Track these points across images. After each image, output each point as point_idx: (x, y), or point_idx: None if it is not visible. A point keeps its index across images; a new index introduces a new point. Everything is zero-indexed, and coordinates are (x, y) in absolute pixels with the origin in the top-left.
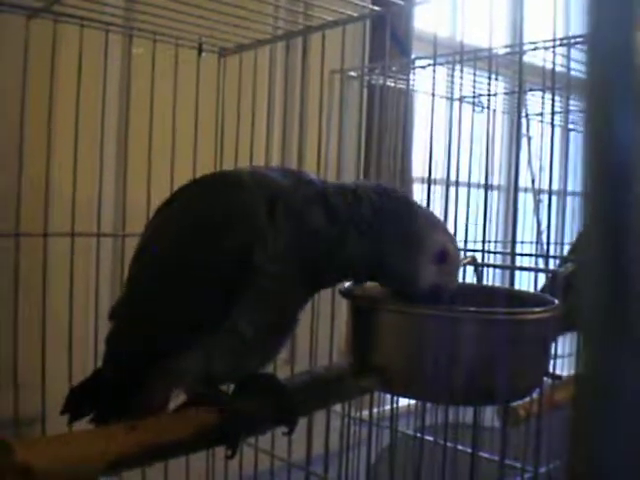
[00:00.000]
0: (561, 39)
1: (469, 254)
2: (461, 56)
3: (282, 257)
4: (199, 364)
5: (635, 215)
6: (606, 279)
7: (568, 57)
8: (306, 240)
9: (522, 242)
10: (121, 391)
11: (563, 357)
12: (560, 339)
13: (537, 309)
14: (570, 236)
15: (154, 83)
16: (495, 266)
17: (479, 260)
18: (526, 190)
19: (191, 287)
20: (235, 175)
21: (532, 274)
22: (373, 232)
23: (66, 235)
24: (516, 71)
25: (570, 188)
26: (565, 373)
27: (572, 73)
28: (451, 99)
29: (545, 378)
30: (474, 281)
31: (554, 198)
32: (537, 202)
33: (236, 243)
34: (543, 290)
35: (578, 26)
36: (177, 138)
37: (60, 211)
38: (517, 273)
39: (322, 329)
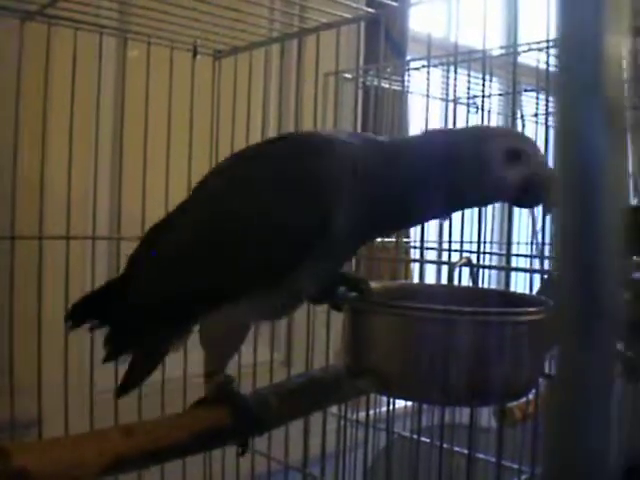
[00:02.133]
0: (555, 40)
1: (464, 255)
2: (455, 57)
3: (356, 217)
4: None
5: (603, 217)
6: (575, 284)
7: None
8: (384, 196)
9: (518, 243)
10: (147, 325)
11: None
12: None
13: (531, 310)
14: None
15: (149, 85)
16: (491, 267)
17: (474, 261)
18: None
19: (270, 242)
20: (317, 140)
21: (528, 275)
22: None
23: (61, 238)
24: (510, 72)
25: None
26: None
27: None
28: (446, 100)
29: (541, 379)
30: (470, 283)
31: None
32: None
33: (318, 209)
34: (539, 291)
35: None
36: (172, 141)
37: (55, 214)
38: (513, 274)
39: (318, 331)
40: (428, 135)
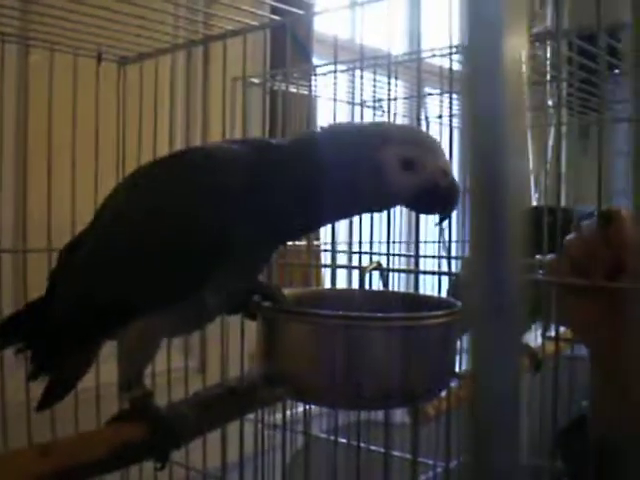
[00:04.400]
0: (457, 46)
1: (375, 259)
2: (361, 62)
3: (256, 228)
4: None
5: (506, 216)
6: (483, 280)
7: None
8: (280, 202)
9: (425, 242)
10: (68, 341)
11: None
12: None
13: (438, 313)
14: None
15: (52, 92)
16: (400, 270)
17: (385, 264)
18: None
19: (168, 261)
20: (205, 153)
21: (436, 276)
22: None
23: None
24: (415, 76)
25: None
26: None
27: None
28: (352, 103)
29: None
30: (380, 286)
31: None
32: None
33: (214, 226)
34: (448, 292)
35: None
36: (77, 148)
37: None
38: (422, 276)
39: (233, 337)
40: (327, 133)
